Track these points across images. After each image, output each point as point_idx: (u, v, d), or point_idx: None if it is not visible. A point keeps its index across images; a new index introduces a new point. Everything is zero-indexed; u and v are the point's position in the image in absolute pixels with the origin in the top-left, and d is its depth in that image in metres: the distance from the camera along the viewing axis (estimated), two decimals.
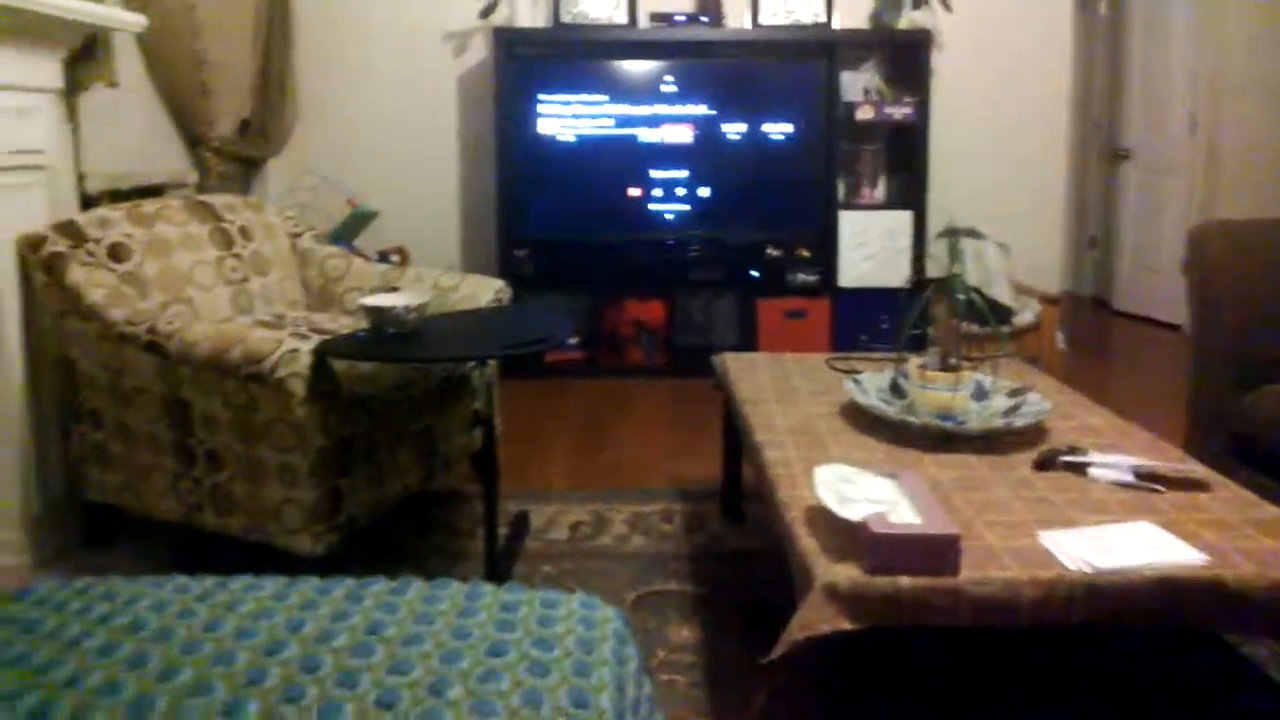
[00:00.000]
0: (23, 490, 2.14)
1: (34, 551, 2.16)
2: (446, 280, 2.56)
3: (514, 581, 2.01)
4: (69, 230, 2.13)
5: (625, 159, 3.78)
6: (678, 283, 3.86)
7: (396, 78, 4.04)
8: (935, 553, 1.25)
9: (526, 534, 2.26)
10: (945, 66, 3.97)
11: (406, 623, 1.14)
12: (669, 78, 3.75)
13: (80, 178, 2.56)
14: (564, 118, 3.76)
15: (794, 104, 3.78)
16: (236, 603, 1.18)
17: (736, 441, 2.25)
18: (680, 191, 3.81)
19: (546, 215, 3.79)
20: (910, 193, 3.87)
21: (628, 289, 3.84)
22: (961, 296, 1.86)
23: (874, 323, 3.75)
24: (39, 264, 2.07)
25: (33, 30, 2.07)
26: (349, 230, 3.63)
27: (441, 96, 4.06)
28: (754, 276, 3.86)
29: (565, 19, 3.85)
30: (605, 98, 3.75)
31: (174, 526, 2.06)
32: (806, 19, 3.88)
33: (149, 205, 2.41)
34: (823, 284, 3.84)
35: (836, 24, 3.88)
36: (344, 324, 2.46)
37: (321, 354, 1.86)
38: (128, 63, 2.81)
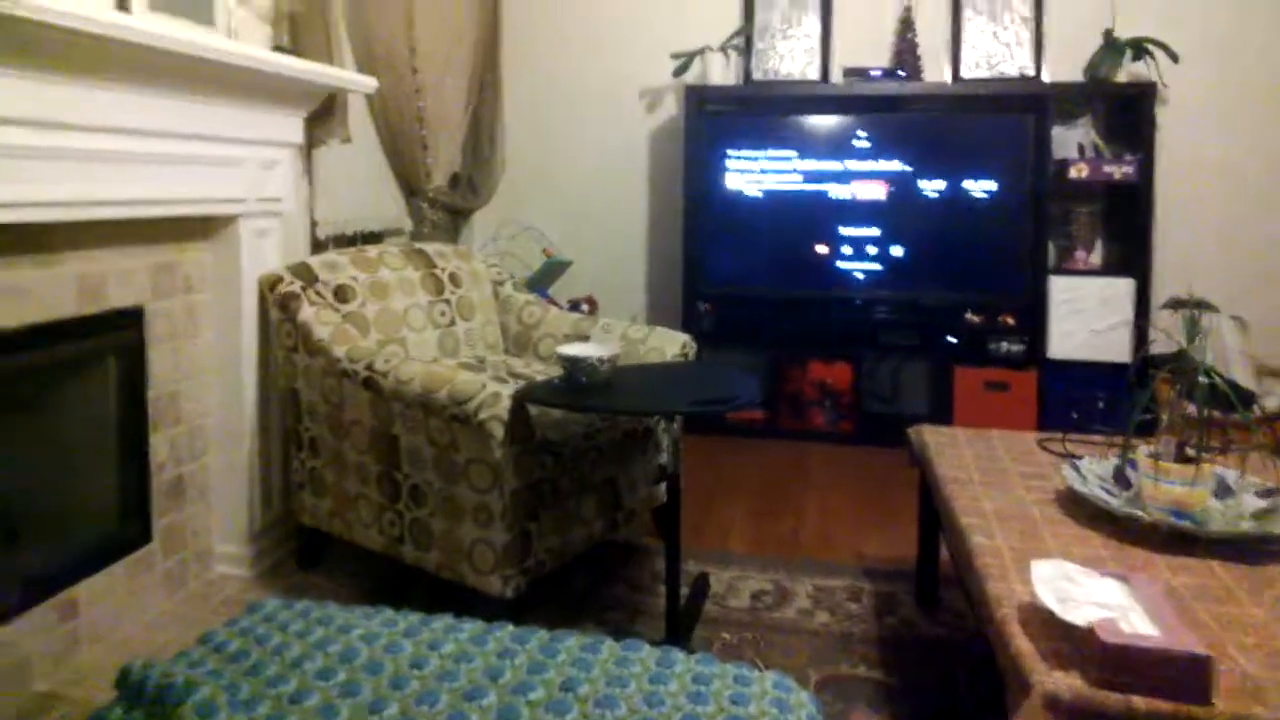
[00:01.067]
0: (249, 509, 2.34)
1: (254, 565, 2.36)
2: (635, 332, 2.60)
3: (693, 646, 1.97)
4: (302, 272, 2.33)
5: (814, 215, 3.73)
6: (866, 345, 3.73)
7: (592, 133, 4.21)
8: (1180, 673, 1.10)
9: (706, 597, 2.22)
10: (1171, 121, 3.67)
11: (600, 682, 1.13)
12: (862, 133, 3.68)
13: (312, 224, 2.81)
14: (752, 173, 3.76)
15: (999, 160, 3.60)
16: (438, 642, 1.21)
17: (934, 521, 2.12)
18: (871, 250, 3.70)
19: (731, 270, 3.79)
20: (1131, 258, 3.57)
21: (812, 349, 3.76)
22: (1202, 378, 1.67)
23: (1088, 401, 3.45)
24: (275, 301, 2.28)
25: (283, 93, 2.31)
26: (544, 278, 3.78)
27: (633, 152, 4.18)
28: (951, 343, 3.66)
29: (757, 76, 3.89)
30: (795, 153, 3.73)
31: (375, 555, 2.17)
32: (1012, 72, 3.71)
33: (372, 251, 2.61)
34: (1029, 354, 3.57)
35: (1046, 77, 3.69)
36: (538, 369, 2.55)
37: (520, 399, 1.92)
38: (356, 119, 3.08)
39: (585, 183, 4.22)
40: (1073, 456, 1.89)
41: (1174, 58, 3.51)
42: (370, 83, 2.66)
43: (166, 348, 2.16)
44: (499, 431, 1.87)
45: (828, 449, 3.60)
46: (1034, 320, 3.57)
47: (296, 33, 2.58)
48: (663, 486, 2.43)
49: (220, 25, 2.21)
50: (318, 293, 2.31)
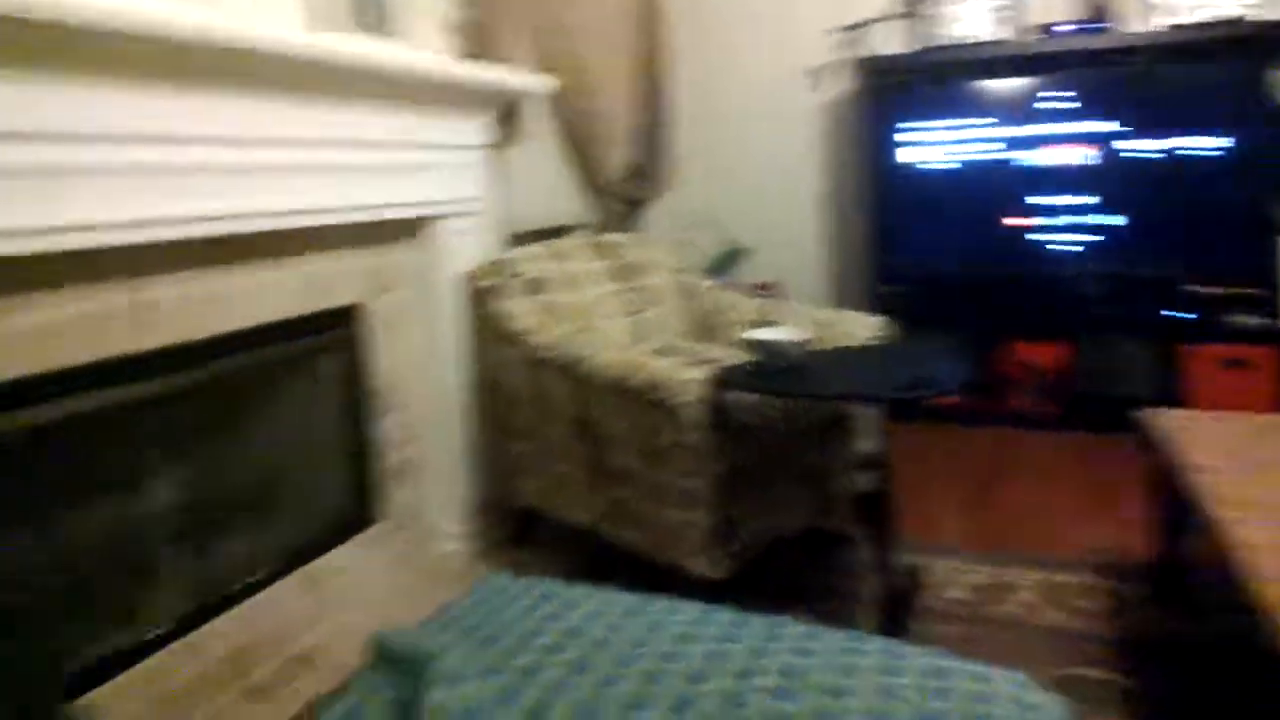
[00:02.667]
0: (465, 489, 2.48)
1: (472, 542, 2.50)
2: (824, 315, 2.53)
3: (910, 639, 1.89)
4: (498, 267, 2.43)
5: (1009, 186, 3.49)
6: (1076, 324, 3.45)
7: (762, 116, 4.13)
8: None
9: (918, 588, 2.13)
10: None
11: (827, 671, 1.10)
12: (1054, 93, 3.40)
13: (504, 221, 2.93)
14: (934, 145, 3.57)
15: (1222, 112, 3.22)
16: (660, 624, 1.21)
17: (1175, 513, 1.92)
18: (1078, 219, 3.42)
19: (919, 248, 3.62)
20: None
21: (1015, 330, 3.53)
22: None
23: None
24: (475, 295, 2.38)
25: (472, 98, 2.42)
26: (723, 265, 3.76)
27: (805, 131, 4.07)
28: (1173, 318, 3.32)
29: (932, 41, 3.68)
30: (980, 120, 3.51)
31: (583, 533, 2.23)
32: (1232, 11, 3.29)
33: (561, 244, 2.68)
34: (1270, 327, 3.19)
35: (1273, 14, 3.25)
36: (726, 355, 2.53)
37: (716, 384, 1.90)
38: (539, 120, 3.17)
39: (759, 167, 4.16)
40: None
41: None
42: (549, 83, 2.73)
43: (383, 341, 2.31)
44: (696, 416, 1.87)
45: (1035, 435, 3.37)
46: (1275, 289, 3.18)
47: (478, 39, 2.69)
48: (864, 474, 2.35)
49: (408, 39, 2.34)
50: (513, 286, 2.40)
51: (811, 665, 1.10)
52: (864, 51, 3.73)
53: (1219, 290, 3.26)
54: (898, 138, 3.60)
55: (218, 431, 2.24)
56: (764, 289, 3.80)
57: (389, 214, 2.20)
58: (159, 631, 1.69)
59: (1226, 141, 3.21)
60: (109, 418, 1.92)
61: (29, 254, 1.38)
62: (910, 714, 1.01)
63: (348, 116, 2.00)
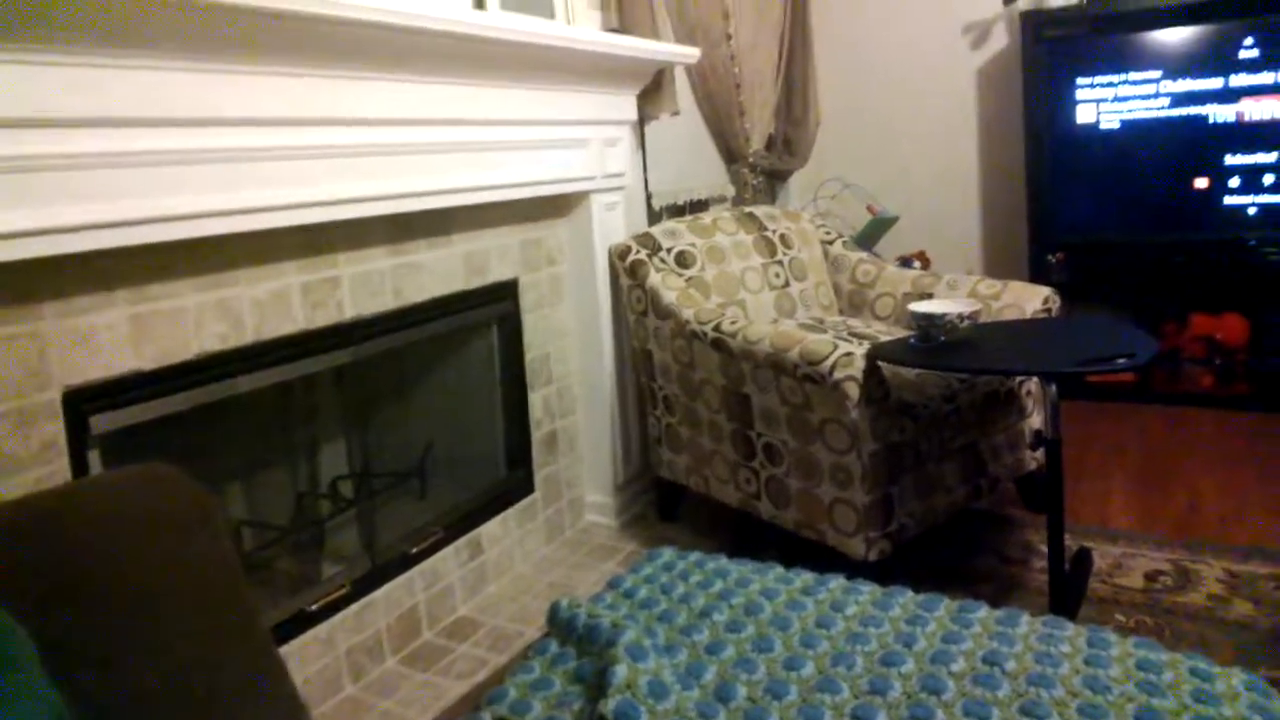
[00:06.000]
0: (612, 462, 2.51)
1: (618, 515, 2.52)
2: (986, 287, 2.40)
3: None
4: (646, 241, 2.42)
5: (1188, 144, 3.21)
6: (1265, 294, 3.15)
7: (911, 80, 3.95)
8: None
9: (1089, 573, 2.00)
10: None
11: (1026, 658, 1.04)
12: (1249, 41, 3.08)
13: (647, 195, 2.92)
14: (1106, 101, 3.32)
15: None
16: (839, 604, 1.18)
17: None
18: (1269, 179, 3.11)
19: (1085, 215, 3.38)
20: None
21: (1193, 301, 3.26)
22: None
23: None
24: (625, 269, 2.39)
25: (620, 72, 2.40)
26: (870, 237, 3.63)
27: (959, 92, 3.87)
28: None
29: None
30: (1158, 74, 3.23)
31: (729, 508, 2.20)
32: None
33: (706, 217, 2.65)
34: None
35: None
36: (878, 329, 2.44)
37: (875, 358, 1.84)
38: (679, 92, 3.13)
39: (907, 133, 3.99)
40: None
41: None
42: (694, 53, 2.69)
43: (536, 315, 2.35)
44: (854, 392, 1.81)
45: (1217, 416, 3.10)
46: None
47: (621, 13, 2.67)
48: (1027, 454, 2.23)
49: (559, 15, 2.34)
50: (661, 260, 2.39)
51: (1009, 652, 1.05)
52: (1029, 4, 3.50)
53: None
54: (1066, 95, 3.37)
55: (384, 404, 2.34)
56: (914, 260, 3.64)
57: (544, 190, 2.22)
58: (330, 597, 1.77)
59: None
60: (287, 391, 2.03)
61: (214, 235, 1.41)
62: (1126, 709, 0.94)
63: (504, 94, 2.02)
